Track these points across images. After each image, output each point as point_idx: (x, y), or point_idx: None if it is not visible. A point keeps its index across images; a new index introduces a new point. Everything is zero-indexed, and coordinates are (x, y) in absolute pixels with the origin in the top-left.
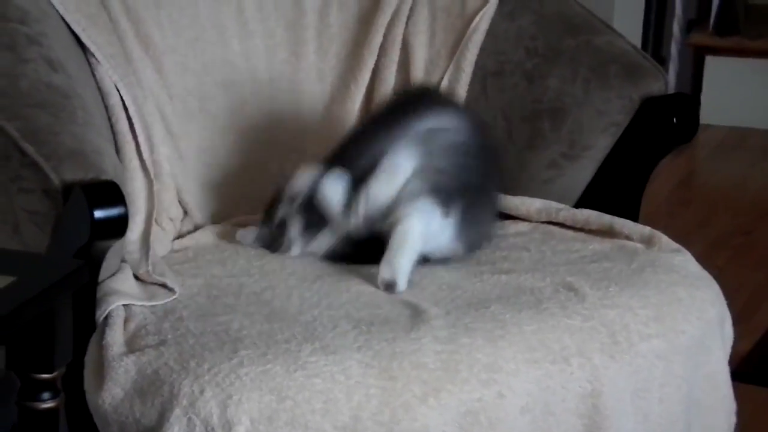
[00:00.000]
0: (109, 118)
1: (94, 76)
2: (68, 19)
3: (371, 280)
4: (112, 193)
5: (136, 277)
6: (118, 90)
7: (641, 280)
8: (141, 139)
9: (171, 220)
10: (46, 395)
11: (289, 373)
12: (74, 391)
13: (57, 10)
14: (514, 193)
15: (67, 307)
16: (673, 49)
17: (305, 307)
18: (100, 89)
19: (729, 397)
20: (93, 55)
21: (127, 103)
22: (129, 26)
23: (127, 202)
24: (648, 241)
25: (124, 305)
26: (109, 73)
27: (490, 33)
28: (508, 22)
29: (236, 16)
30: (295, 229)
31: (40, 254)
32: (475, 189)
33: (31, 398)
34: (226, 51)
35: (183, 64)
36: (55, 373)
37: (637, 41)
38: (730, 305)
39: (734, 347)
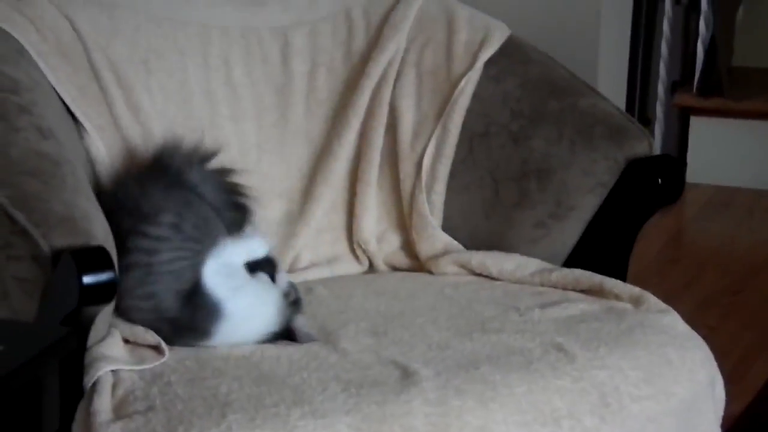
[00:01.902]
0: None
1: (82, 141)
2: (59, 89)
3: (358, 339)
4: (101, 258)
5: (126, 341)
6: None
7: (631, 340)
8: None
9: None
10: None
11: None
12: None
13: (48, 80)
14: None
15: (53, 375)
16: (659, 110)
17: (294, 370)
18: (88, 155)
19: None
20: (82, 125)
21: None
22: (119, 94)
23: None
24: (636, 301)
25: (112, 370)
26: (96, 144)
27: (476, 96)
28: (494, 85)
29: (225, 81)
30: None
31: (27, 322)
32: None
33: None
34: (214, 114)
35: (171, 129)
36: None
37: (621, 102)
38: (721, 366)
39: (726, 408)
